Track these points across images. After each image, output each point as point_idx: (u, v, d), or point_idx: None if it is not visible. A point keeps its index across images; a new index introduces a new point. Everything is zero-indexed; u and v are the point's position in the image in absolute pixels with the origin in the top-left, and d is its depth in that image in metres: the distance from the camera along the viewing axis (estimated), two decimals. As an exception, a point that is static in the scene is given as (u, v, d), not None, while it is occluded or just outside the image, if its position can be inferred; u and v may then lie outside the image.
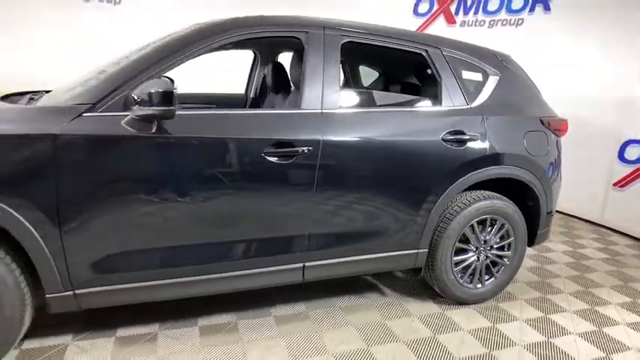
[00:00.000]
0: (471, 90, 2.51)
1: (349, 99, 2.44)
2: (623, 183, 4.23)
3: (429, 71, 2.67)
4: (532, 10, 4.97)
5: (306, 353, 2.09)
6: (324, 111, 2.11)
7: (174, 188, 1.84)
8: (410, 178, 2.28)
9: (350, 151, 2.14)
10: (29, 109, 1.75)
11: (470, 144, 2.37)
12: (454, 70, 2.47)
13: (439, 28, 5.67)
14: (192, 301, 2.36)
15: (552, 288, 2.99)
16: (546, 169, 2.65)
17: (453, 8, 5.63)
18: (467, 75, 2.52)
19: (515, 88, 2.66)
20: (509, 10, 5.18)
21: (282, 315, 2.41)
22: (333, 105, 2.14)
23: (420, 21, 5.88)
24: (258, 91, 3.48)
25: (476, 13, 5.46)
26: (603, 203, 4.41)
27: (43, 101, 1.93)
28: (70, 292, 1.80)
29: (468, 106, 2.45)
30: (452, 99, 2.43)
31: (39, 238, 1.69)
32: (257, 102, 3.45)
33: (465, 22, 5.55)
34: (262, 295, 2.53)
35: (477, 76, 2.56)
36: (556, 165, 2.75)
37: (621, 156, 4.23)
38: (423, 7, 5.85)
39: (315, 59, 2.14)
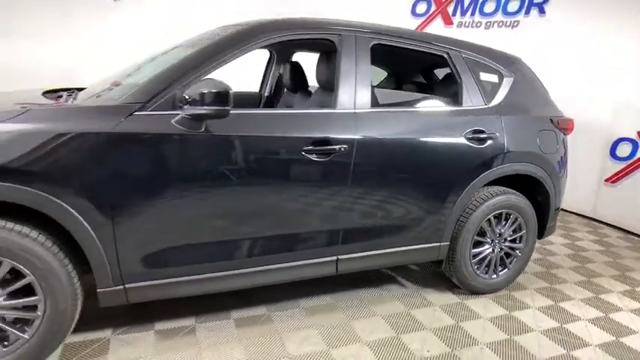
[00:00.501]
0: (488, 90, 2.64)
1: (379, 99, 2.53)
2: (614, 179, 4.47)
3: (449, 72, 2.80)
4: (527, 12, 5.16)
5: (341, 342, 2.19)
6: (357, 111, 2.20)
7: (222, 185, 1.91)
8: (436, 175, 2.41)
9: (381, 149, 2.24)
10: (84, 108, 1.79)
11: (489, 142, 2.51)
12: (473, 72, 2.60)
13: (437, 29, 5.82)
14: (224, 295, 2.41)
15: (557, 278, 3.16)
16: (555, 166, 2.81)
17: (450, 9, 5.78)
18: (484, 76, 2.65)
19: (527, 89, 2.80)
20: (505, 13, 5.36)
21: (311, 306, 2.50)
22: (365, 105, 2.23)
23: (418, 21, 6.01)
24: (272, 89, 3.54)
25: (473, 14, 5.62)
26: (595, 198, 4.64)
27: (89, 99, 1.97)
28: (120, 287, 1.85)
29: (487, 106, 2.59)
30: (471, 99, 2.56)
31: (93, 234, 1.73)
32: (271, 101, 3.51)
33: (461, 23, 5.71)
34: (288, 287, 2.60)
35: (493, 78, 2.70)
36: (563, 162, 2.91)
37: (613, 153, 4.46)
38: (421, 8, 5.99)
39: (348, 61, 2.22)
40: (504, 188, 2.68)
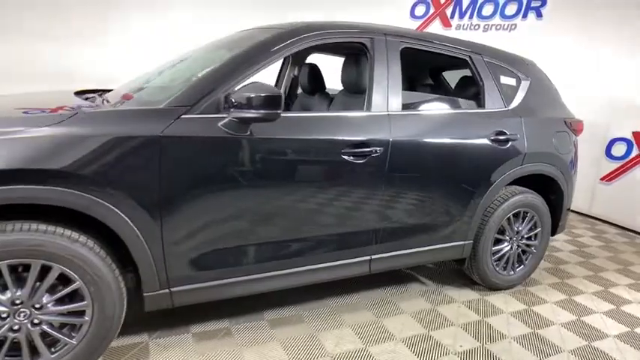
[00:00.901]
0: (507, 93, 2.73)
1: (408, 101, 2.57)
2: (609, 177, 4.65)
3: (464, 75, 2.88)
4: (525, 16, 5.31)
5: (377, 340, 2.23)
6: (390, 113, 2.25)
7: (265, 187, 1.93)
8: (463, 176, 2.48)
9: (413, 151, 2.29)
10: (132, 111, 1.78)
11: (511, 143, 2.59)
12: (494, 75, 2.68)
13: (435, 31, 5.92)
14: (253, 297, 2.43)
15: (566, 273, 3.29)
16: (569, 166, 2.93)
17: (448, 12, 5.90)
18: (503, 79, 2.74)
19: (542, 92, 2.91)
20: (503, 16, 5.50)
21: (339, 306, 2.54)
22: (397, 107, 2.28)
23: (417, 23, 6.11)
24: (287, 91, 3.56)
25: (471, 17, 5.75)
26: (591, 196, 4.82)
27: (131, 102, 1.96)
28: (166, 290, 1.85)
29: (507, 109, 2.67)
30: (493, 102, 2.64)
31: (142, 238, 1.73)
32: (287, 102, 3.52)
33: (460, 25, 5.83)
34: (315, 288, 2.62)
35: (512, 81, 2.78)
36: (574, 162, 3.03)
37: (608, 153, 4.65)
38: (420, 10, 6.08)
39: (380, 64, 2.27)
40: (522, 188, 2.78)
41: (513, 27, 5.41)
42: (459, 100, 2.75)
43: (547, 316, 2.62)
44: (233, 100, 1.78)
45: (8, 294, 1.59)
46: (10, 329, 1.61)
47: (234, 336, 2.18)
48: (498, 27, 5.53)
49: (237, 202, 1.89)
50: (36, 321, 1.65)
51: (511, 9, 5.43)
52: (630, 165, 4.48)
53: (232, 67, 1.92)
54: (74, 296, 1.70)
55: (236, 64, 1.93)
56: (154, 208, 1.73)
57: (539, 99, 2.85)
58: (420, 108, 2.59)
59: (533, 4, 5.23)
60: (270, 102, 1.74)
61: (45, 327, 1.67)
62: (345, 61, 2.55)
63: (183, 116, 1.77)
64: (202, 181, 1.81)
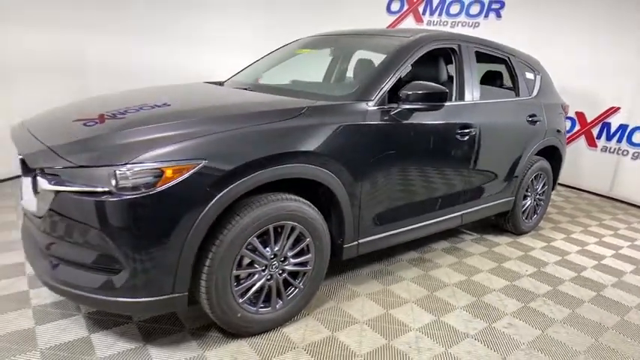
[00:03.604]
0: (530, 85, 3.61)
1: (480, 92, 3.28)
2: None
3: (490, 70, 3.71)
4: (486, 16, 6.35)
5: (471, 273, 2.98)
6: (475, 102, 2.97)
7: (420, 159, 2.56)
8: (515, 147, 3.32)
9: (491, 130, 3.04)
10: (340, 106, 2.24)
11: (538, 123, 3.49)
12: (522, 71, 3.54)
13: (409, 26, 6.75)
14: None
15: (555, 221, 4.38)
16: (564, 139, 3.94)
17: (420, 9, 6.75)
18: (527, 75, 3.61)
19: (547, 83, 3.86)
20: (468, 15, 6.49)
21: (434, 250, 3.24)
22: (477, 97, 3.01)
23: (392, 18, 6.87)
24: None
25: (440, 14, 6.66)
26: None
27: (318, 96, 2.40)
28: (355, 242, 2.39)
29: (532, 97, 3.56)
30: (523, 92, 3.50)
31: (349, 201, 2.25)
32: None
33: (430, 21, 6.72)
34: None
35: (531, 75, 3.68)
36: (565, 136, 4.07)
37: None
38: (395, 6, 6.85)
39: (467, 64, 2.97)
40: (539, 157, 3.71)
41: (477, 25, 6.44)
42: (506, 90, 3.56)
43: (564, 248, 3.62)
44: (400, 95, 2.35)
45: (268, 250, 2.02)
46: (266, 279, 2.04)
47: (380, 278, 2.76)
48: (464, 24, 6.52)
49: (401, 169, 2.47)
50: (280, 271, 2.09)
51: (475, 9, 6.44)
52: (574, 137, 5.81)
53: (388, 69, 2.46)
54: (301, 250, 2.16)
55: (389, 66, 2.48)
56: (357, 176, 2.24)
57: (547, 88, 3.80)
58: (487, 98, 3.32)
59: (493, 6, 6.28)
60: (439, 96, 2.34)
61: (286, 276, 2.12)
62: (424, 61, 3.19)
63: (369, 108, 2.29)
64: (383, 155, 2.35)
